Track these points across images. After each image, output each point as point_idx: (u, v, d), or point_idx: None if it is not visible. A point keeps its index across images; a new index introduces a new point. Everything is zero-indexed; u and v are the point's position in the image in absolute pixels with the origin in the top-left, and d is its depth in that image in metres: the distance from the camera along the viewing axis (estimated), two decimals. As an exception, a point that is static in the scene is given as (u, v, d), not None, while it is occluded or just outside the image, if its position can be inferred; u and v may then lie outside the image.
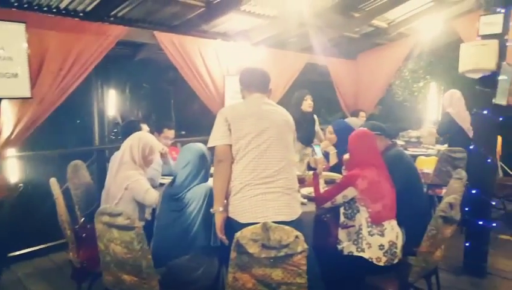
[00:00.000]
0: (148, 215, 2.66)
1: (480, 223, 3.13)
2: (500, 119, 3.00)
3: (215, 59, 4.51)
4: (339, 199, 2.34)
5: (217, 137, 2.04)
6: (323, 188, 2.64)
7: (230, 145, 2.03)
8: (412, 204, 2.56)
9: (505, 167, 5.41)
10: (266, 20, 4.53)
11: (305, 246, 1.57)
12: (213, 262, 2.15)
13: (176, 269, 2.05)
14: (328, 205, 2.41)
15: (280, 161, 2.05)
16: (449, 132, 4.42)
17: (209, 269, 2.10)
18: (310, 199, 2.62)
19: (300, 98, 3.79)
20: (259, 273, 1.54)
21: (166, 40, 4.02)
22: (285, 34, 4.77)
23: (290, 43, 5.26)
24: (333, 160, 3.36)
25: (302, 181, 2.88)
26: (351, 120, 3.95)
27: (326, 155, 3.37)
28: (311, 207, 2.50)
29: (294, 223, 1.96)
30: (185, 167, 2.23)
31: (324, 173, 2.93)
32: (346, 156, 2.69)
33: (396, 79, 10.69)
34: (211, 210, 2.03)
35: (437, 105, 7.46)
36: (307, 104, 3.80)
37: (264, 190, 1.97)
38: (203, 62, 4.39)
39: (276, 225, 1.59)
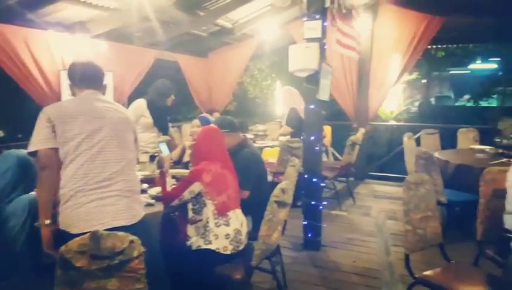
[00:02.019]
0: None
1: (313, 203, 3.58)
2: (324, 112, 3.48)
3: (47, 52, 3.99)
4: (186, 195, 2.35)
5: (39, 140, 1.81)
6: (171, 185, 2.62)
7: (56, 149, 1.82)
8: (260, 193, 2.76)
9: (334, 152, 6.35)
10: (106, 11, 4.23)
11: (142, 249, 1.52)
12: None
13: None
14: (176, 202, 2.39)
15: (118, 162, 1.93)
16: (298, 125, 4.91)
17: None
18: (158, 199, 2.56)
19: (169, 93, 3.69)
20: (92, 286, 1.43)
21: (-23, 28, 3.37)
22: (129, 27, 4.55)
23: (137, 37, 5.05)
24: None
25: (151, 181, 2.80)
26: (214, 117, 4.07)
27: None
28: (160, 207, 2.46)
29: (137, 227, 1.88)
30: (1, 177, 1.92)
31: (173, 171, 2.91)
32: (191, 152, 2.73)
33: (248, 77, 11.42)
34: (36, 224, 1.79)
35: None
36: (171, 100, 3.75)
37: (99, 195, 1.83)
38: (31, 55, 3.84)
39: (108, 232, 1.49)
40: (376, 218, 1.73)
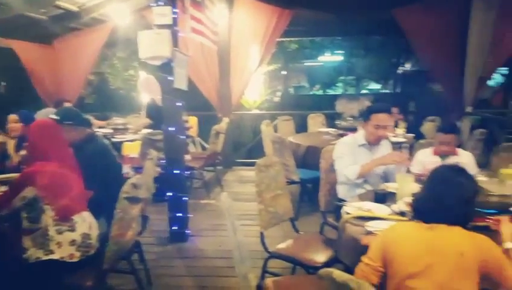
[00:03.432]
0: None
1: (178, 194, 3.53)
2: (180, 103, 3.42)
3: None
4: (17, 202, 2.03)
5: None
6: (-1, 192, 2.23)
7: None
8: (113, 192, 2.55)
9: (202, 142, 6.38)
10: None
11: None
12: None
13: None
14: (4, 211, 2.05)
15: None
16: (157, 116, 4.70)
17: None
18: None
19: None
20: None
21: None
22: None
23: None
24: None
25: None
26: (47, 111, 3.58)
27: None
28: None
29: None
30: None
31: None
32: (23, 152, 2.37)
33: (107, 67, 10.56)
34: None
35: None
36: None
37: None
38: None
39: None
40: (222, 201, 1.76)
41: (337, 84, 15.12)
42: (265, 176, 2.47)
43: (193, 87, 5.98)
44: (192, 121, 5.82)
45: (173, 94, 3.31)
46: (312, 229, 3.08)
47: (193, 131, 5.78)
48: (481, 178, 1.98)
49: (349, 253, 1.84)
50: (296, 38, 10.72)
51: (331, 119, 6.00)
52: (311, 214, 4.03)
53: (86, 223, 2.17)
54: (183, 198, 3.58)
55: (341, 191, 2.89)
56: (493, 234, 1.49)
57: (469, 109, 5.47)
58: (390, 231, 1.43)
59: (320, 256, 2.31)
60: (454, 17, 5.23)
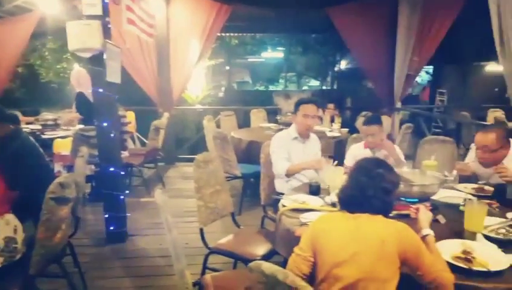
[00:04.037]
0: None
1: (115, 193, 3.38)
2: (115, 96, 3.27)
3: None
4: None
5: None
6: None
7: None
8: (43, 193, 2.39)
9: (141, 137, 6.17)
10: None
11: None
12: None
13: None
14: None
15: None
16: (88, 110, 4.46)
17: None
18: None
19: None
20: None
21: None
22: None
23: None
24: None
25: None
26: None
27: None
28: None
29: None
30: None
31: None
32: None
33: (37, 59, 9.80)
34: None
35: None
36: None
37: None
38: None
39: None
40: (156, 198, 1.73)
41: (279, 81, 15.46)
42: (204, 172, 2.46)
43: (131, 81, 5.77)
44: (131, 116, 5.61)
45: (106, 88, 3.16)
46: (255, 223, 3.12)
47: (132, 126, 5.57)
48: (404, 169, 2.13)
49: (284, 244, 1.90)
50: (237, 34, 10.74)
51: (274, 115, 6.12)
52: (253, 208, 4.08)
53: (9, 226, 2.02)
54: (121, 197, 3.44)
55: (278, 184, 2.97)
56: (413, 221, 1.63)
57: (399, 105, 5.88)
58: (318, 221, 1.49)
59: (260, 249, 2.35)
60: (384, 18, 5.57)
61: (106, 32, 3.02)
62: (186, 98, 8.36)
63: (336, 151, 4.27)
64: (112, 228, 3.43)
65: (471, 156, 2.60)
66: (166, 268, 3.02)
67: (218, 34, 6.18)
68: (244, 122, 6.58)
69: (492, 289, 1.34)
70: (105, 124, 3.23)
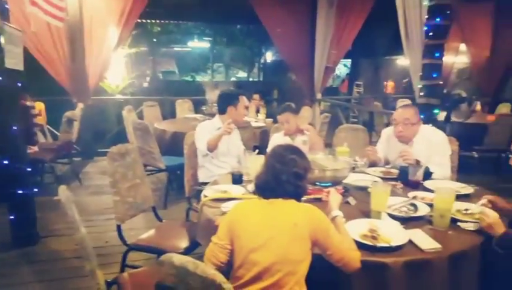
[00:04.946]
0: None
1: (20, 192, 3.07)
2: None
3: None
4: None
5: None
6: None
7: None
8: None
9: (53, 130, 5.67)
10: None
11: None
12: None
13: None
14: None
15: None
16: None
17: None
18: None
19: None
20: None
21: None
22: None
23: None
24: None
25: None
26: None
27: None
28: None
29: None
30: None
31: None
32: None
33: None
34: None
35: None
36: None
37: None
38: None
39: None
40: (60, 195, 1.60)
41: (206, 71, 15.28)
42: (120, 165, 2.33)
43: (41, 68, 5.27)
44: (40, 108, 5.10)
45: (6, 76, 2.83)
46: (181, 217, 3.06)
47: (41, 119, 5.07)
48: (319, 155, 2.23)
49: (206, 235, 1.88)
50: (160, 21, 10.34)
51: (200, 105, 6.02)
52: (180, 201, 4.00)
53: None
54: (29, 196, 3.13)
55: (201, 174, 2.95)
56: (325, 204, 1.71)
57: (319, 96, 6.16)
58: (234, 209, 1.50)
59: (183, 242, 2.30)
60: (305, 12, 5.77)
61: (3, 14, 2.69)
62: (106, 87, 7.85)
63: (261, 141, 4.35)
64: (18, 230, 3.12)
65: (383, 140, 2.82)
66: (81, 269, 2.82)
67: (139, 20, 5.88)
68: (170, 114, 6.38)
69: (394, 263, 1.45)
70: (5, 116, 2.89)
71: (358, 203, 2.00)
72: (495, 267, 1.58)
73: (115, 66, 7.00)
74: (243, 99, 2.97)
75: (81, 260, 2.92)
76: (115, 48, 5.52)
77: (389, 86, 11.35)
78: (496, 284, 1.62)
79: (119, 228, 2.29)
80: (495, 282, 1.61)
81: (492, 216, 1.59)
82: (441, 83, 3.93)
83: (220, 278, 1.02)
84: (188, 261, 1.02)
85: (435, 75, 3.80)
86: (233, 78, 16.24)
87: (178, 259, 1.03)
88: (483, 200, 1.80)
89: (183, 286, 1.03)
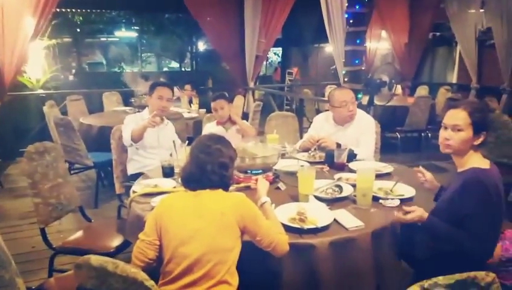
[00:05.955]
0: None
1: None
2: None
3: None
4: None
5: None
6: None
7: None
8: None
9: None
10: None
11: None
12: None
13: None
14: None
15: None
16: None
17: None
18: None
19: None
20: None
21: None
22: None
23: None
24: None
25: None
26: None
27: None
28: None
29: None
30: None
31: None
32: None
33: None
34: None
35: None
36: None
37: None
38: None
39: None
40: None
41: (136, 62, 14.62)
42: (39, 165, 2.17)
43: None
44: None
45: None
46: (114, 215, 2.93)
47: None
48: (249, 143, 2.26)
49: (135, 232, 1.82)
50: (81, 10, 9.62)
51: (129, 97, 5.76)
52: (112, 199, 3.83)
53: None
54: None
55: (130, 167, 2.86)
56: (254, 191, 1.74)
57: (252, 84, 6.21)
58: (161, 203, 1.47)
59: (113, 241, 2.22)
60: (232, 1, 5.74)
61: None
62: (25, 82, 7.18)
63: (194, 132, 4.30)
64: None
65: (316, 126, 2.91)
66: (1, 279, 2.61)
67: (59, 10, 5.42)
68: (98, 107, 6.03)
69: (320, 243, 1.52)
70: None
71: (288, 188, 2.07)
72: (411, 235, 1.72)
73: (34, 58, 6.41)
74: (159, 90, 2.88)
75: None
76: (32, 38, 5.05)
77: (294, 72, 11.74)
78: (411, 249, 1.75)
79: (43, 231, 2.15)
80: (411, 248, 1.75)
81: (418, 209, 1.61)
82: (363, 68, 4.17)
83: (141, 275, 1.00)
84: (106, 261, 0.98)
85: (356, 61, 4.01)
86: (165, 69, 15.73)
87: (96, 260, 0.99)
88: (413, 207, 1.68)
89: (105, 287, 1.00)
